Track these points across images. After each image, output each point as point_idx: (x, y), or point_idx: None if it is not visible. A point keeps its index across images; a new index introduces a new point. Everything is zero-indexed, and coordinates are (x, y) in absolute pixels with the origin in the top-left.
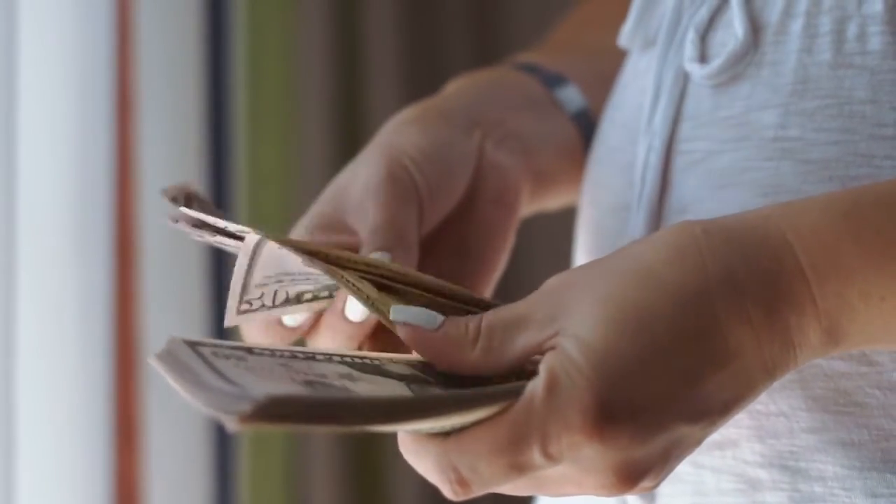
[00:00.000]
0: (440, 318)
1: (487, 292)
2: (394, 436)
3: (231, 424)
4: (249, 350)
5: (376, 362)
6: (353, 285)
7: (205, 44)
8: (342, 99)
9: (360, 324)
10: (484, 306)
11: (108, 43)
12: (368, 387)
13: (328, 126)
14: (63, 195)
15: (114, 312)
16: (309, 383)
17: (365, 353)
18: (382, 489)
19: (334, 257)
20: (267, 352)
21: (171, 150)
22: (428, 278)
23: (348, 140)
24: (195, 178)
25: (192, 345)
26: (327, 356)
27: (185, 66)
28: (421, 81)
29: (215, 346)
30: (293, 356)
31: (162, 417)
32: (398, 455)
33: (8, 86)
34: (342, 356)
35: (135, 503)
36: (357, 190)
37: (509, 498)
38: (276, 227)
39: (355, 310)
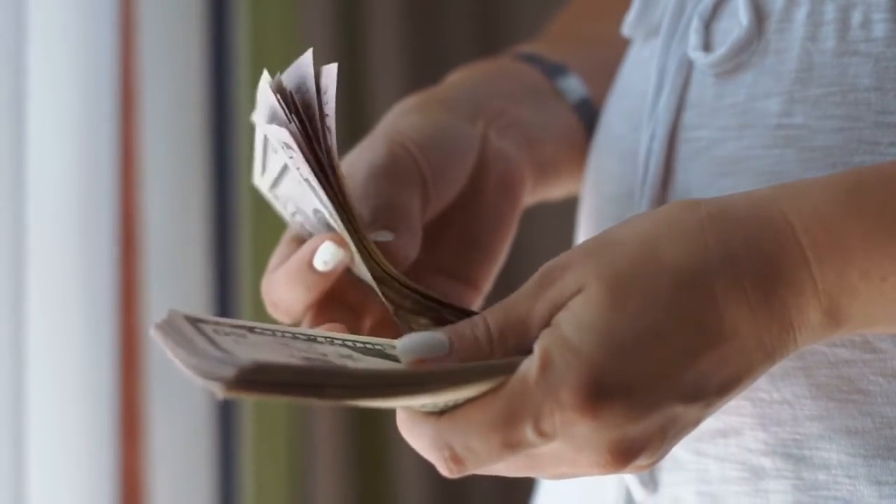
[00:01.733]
0: (445, 338)
1: (490, 281)
2: (398, 429)
3: (217, 390)
4: (251, 329)
5: (378, 347)
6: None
7: (208, 37)
8: (345, 93)
9: (324, 275)
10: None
11: (112, 37)
12: (368, 366)
13: None
14: (68, 190)
15: (118, 308)
16: (308, 360)
17: (367, 337)
18: (386, 485)
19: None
20: (268, 331)
21: (174, 144)
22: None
23: (352, 135)
24: (198, 171)
25: (194, 321)
26: (328, 339)
27: (189, 60)
28: (424, 76)
29: (217, 323)
30: (294, 337)
31: (166, 411)
32: (402, 448)
33: (16, 83)
34: (343, 339)
35: (139, 497)
36: (360, 174)
37: (513, 484)
38: (278, 222)
39: (324, 258)
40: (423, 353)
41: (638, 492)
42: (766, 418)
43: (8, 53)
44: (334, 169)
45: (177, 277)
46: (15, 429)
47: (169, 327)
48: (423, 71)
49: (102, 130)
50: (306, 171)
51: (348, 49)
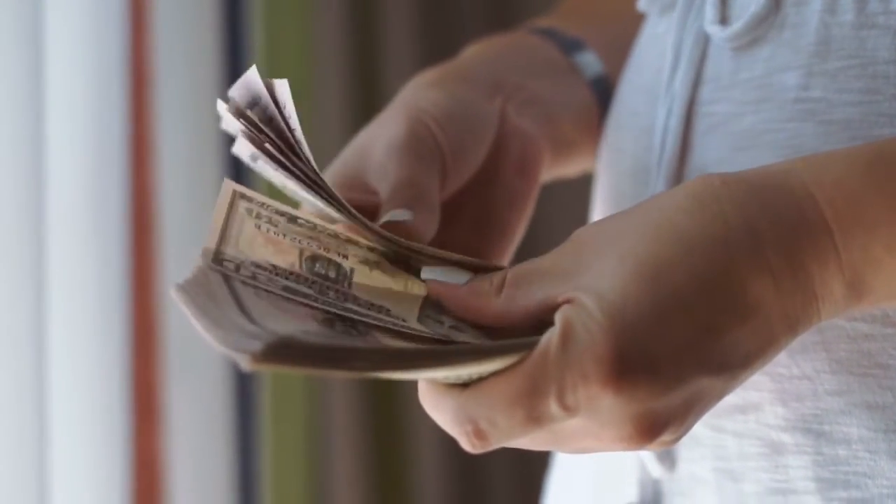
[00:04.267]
0: (468, 275)
1: (507, 259)
2: (418, 408)
3: (243, 363)
4: (294, 219)
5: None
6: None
7: (222, 24)
8: (358, 81)
9: None
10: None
11: (123, 24)
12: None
13: (344, 108)
14: (84, 176)
15: (134, 292)
16: (329, 321)
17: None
18: (403, 457)
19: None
20: (309, 224)
21: (187, 132)
22: (444, 252)
23: (365, 120)
24: (212, 161)
25: (221, 265)
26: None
27: (202, 46)
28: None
29: (262, 204)
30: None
31: (183, 394)
32: (420, 427)
33: (35, 76)
34: (371, 305)
35: (156, 479)
36: (378, 150)
37: (530, 461)
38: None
39: None
40: (442, 278)
41: (655, 468)
42: (786, 393)
43: (25, 43)
44: (319, 176)
45: (191, 260)
46: (36, 416)
47: (192, 286)
48: (438, 56)
49: (116, 119)
50: (292, 185)
51: (362, 32)
